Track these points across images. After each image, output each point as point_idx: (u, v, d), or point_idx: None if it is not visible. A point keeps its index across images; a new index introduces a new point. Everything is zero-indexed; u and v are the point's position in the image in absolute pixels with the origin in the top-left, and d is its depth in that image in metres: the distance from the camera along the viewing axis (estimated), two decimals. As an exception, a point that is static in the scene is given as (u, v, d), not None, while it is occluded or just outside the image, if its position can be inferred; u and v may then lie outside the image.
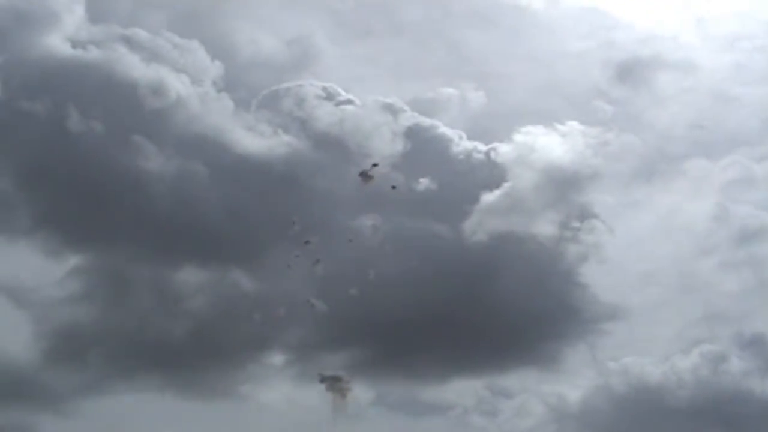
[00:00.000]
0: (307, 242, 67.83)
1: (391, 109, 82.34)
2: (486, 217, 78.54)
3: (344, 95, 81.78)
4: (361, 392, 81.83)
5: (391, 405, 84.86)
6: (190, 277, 75.72)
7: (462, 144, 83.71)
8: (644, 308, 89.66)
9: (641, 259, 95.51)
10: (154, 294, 76.02)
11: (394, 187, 70.40)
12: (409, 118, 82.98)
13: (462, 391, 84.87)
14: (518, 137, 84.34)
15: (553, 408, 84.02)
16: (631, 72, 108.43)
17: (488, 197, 79.20)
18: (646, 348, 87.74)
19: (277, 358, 75.71)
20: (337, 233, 71.39)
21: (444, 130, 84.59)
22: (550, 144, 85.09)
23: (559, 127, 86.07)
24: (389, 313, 73.32)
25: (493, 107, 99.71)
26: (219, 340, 70.86)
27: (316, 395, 78.43)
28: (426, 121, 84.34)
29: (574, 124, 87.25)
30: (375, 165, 70.60)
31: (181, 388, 77.03)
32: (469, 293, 77.01)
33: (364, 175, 70.15)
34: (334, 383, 69.42)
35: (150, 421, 79.07)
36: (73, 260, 78.26)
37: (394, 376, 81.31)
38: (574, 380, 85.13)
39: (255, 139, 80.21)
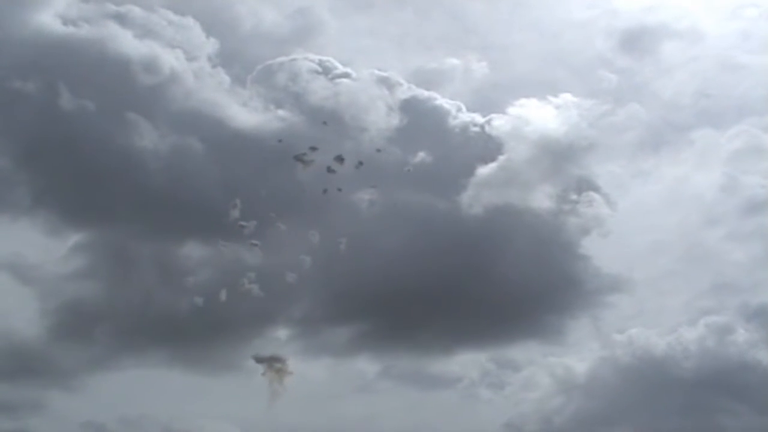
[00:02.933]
0: (242, 226, 67.30)
1: (387, 83, 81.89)
2: (483, 190, 78.62)
3: (341, 69, 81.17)
4: (366, 365, 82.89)
5: (398, 377, 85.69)
6: (192, 252, 75.71)
7: (459, 116, 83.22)
8: (650, 280, 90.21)
9: (647, 230, 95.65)
10: (158, 269, 75.83)
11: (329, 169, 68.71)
12: (406, 90, 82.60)
13: (467, 363, 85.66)
14: (513, 110, 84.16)
15: (560, 380, 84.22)
16: (636, 41, 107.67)
17: (484, 170, 79.09)
18: (652, 319, 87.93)
19: (281, 332, 75.49)
20: (333, 208, 71.38)
21: (441, 102, 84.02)
22: (546, 116, 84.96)
23: (554, 99, 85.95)
24: (390, 286, 73.29)
25: (497, 78, 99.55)
26: (224, 314, 70.02)
27: (320, 369, 79.72)
28: (423, 94, 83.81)
29: (569, 96, 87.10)
30: (314, 149, 68.90)
31: (188, 363, 77.74)
32: (470, 266, 77.03)
33: (300, 160, 68.43)
34: (272, 364, 68.29)
35: (158, 396, 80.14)
36: (75, 237, 79.01)
37: (399, 348, 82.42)
38: (579, 352, 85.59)
39: (250, 114, 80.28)
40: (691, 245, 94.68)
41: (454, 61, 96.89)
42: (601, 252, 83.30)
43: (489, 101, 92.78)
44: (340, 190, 69.12)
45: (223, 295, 66.59)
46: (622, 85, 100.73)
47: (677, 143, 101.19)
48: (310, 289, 72.61)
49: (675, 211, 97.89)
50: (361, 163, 70.13)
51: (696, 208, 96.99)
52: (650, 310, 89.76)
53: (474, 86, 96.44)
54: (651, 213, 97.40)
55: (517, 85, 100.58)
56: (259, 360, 68.56)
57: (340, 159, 69.12)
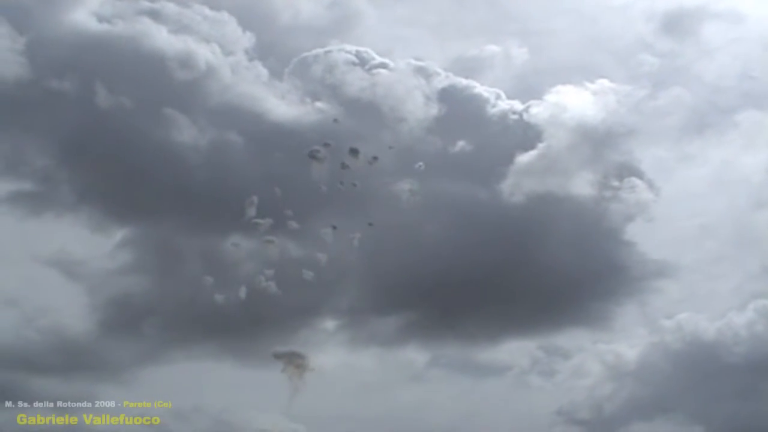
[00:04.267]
0: (256, 224, 67.35)
1: (424, 72, 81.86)
2: (523, 178, 78.62)
3: (378, 59, 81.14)
4: (415, 354, 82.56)
5: (447, 366, 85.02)
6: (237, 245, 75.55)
7: (498, 104, 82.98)
8: (698, 264, 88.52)
9: (694, 214, 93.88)
10: (203, 263, 75.76)
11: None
12: (443, 79, 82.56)
13: (515, 351, 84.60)
14: (550, 97, 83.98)
15: (610, 367, 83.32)
16: (676, 23, 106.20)
17: (524, 158, 79.11)
18: (701, 304, 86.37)
19: (329, 324, 76.27)
20: (376, 200, 71.61)
21: (480, 90, 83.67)
22: (584, 103, 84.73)
23: (591, 85, 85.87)
24: (435, 275, 73.60)
25: (537, 64, 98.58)
26: (271, 306, 69.86)
27: (369, 359, 79.56)
28: (461, 83, 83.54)
29: (606, 82, 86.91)
30: (327, 144, 68.71)
31: (237, 355, 77.31)
32: (514, 255, 76.81)
33: (313, 157, 68.11)
34: (291, 360, 67.98)
35: (209, 388, 79.82)
36: (120, 233, 79.28)
37: (446, 337, 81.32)
38: (628, 339, 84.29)
39: (288, 107, 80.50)
40: (738, 228, 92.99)
41: (494, 47, 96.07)
42: (646, 238, 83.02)
43: (530, 87, 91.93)
44: (355, 185, 68.92)
45: (242, 293, 67.27)
46: (664, 69, 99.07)
47: (722, 126, 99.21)
48: (357, 279, 73.56)
49: (722, 194, 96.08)
50: (375, 158, 69.97)
51: (743, 191, 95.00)
52: (699, 295, 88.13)
53: (515, 73, 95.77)
54: (697, 197, 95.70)
55: (559, 71, 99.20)
56: (279, 356, 68.41)
57: (354, 152, 68.82)
